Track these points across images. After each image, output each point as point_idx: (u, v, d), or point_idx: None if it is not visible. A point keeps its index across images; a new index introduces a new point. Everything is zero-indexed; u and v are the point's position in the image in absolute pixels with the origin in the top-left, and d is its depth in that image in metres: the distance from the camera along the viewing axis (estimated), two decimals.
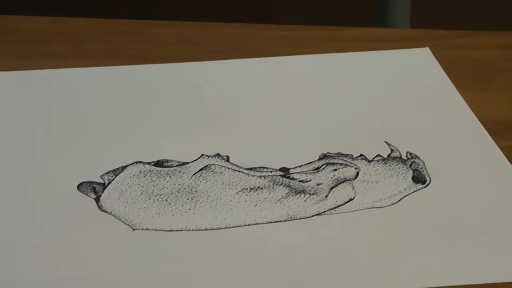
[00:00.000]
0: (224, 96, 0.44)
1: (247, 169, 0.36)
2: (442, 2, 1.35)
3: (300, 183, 0.35)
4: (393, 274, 0.29)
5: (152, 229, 0.32)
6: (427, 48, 0.45)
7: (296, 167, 0.36)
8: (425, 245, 0.31)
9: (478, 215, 0.33)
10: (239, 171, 0.35)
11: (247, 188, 0.34)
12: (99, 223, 0.32)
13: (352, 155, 0.37)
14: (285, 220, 0.33)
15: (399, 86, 0.44)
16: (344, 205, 0.33)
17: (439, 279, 0.29)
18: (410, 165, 0.36)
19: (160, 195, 0.34)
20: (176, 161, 0.36)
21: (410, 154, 0.37)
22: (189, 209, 0.33)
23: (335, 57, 0.48)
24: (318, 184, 0.35)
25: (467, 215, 0.33)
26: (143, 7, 1.45)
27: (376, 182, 0.35)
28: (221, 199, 0.34)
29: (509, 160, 0.36)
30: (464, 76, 0.45)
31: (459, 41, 0.50)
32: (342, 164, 0.36)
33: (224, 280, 0.29)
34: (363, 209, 0.33)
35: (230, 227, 0.32)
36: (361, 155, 0.37)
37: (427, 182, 0.35)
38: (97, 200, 0.34)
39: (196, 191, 0.34)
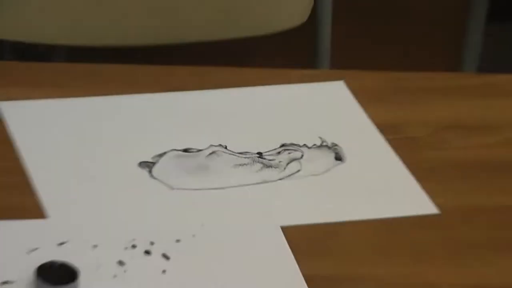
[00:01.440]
0: (218, 111, 0.66)
1: (238, 153, 0.59)
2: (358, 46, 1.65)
3: (269, 161, 0.59)
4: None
5: (184, 188, 0.55)
6: (342, 81, 0.70)
7: (266, 151, 0.60)
8: (342, 193, 0.56)
9: (377, 179, 0.58)
10: (233, 154, 0.59)
11: (238, 164, 0.58)
12: (151, 186, 0.56)
13: (299, 144, 0.61)
14: (261, 183, 0.57)
15: (320, 111, 0.68)
16: (295, 174, 0.58)
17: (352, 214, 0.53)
18: (334, 150, 0.61)
19: (188, 167, 0.57)
20: (196, 149, 0.60)
21: (333, 143, 0.62)
22: (205, 177, 0.57)
23: (271, 89, 0.69)
24: (279, 162, 0.59)
25: (370, 179, 0.58)
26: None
27: (313, 160, 0.59)
28: (223, 171, 0.57)
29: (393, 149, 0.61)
30: (370, 101, 0.68)
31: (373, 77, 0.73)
32: (293, 149, 0.60)
33: (227, 220, 0.52)
34: (306, 176, 0.58)
35: (229, 187, 0.56)
36: (304, 144, 0.61)
37: (343, 160, 0.60)
38: (149, 171, 0.57)
39: (208, 166, 0.58)
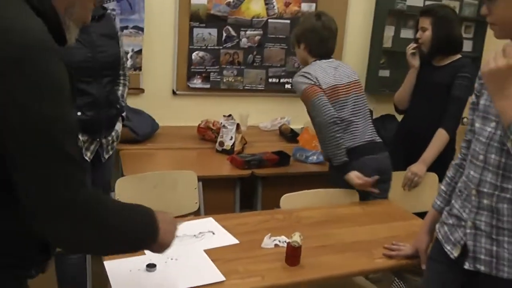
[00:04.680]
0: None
1: (190, 235, 2.18)
2: None
3: (198, 235, 2.18)
4: None
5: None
6: (211, 217, 2.32)
7: (198, 233, 2.19)
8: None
9: None
10: (186, 235, 2.18)
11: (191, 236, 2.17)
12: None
13: (205, 231, 2.21)
14: (198, 240, 2.15)
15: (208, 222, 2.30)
16: (205, 238, 2.17)
17: None
18: (213, 232, 2.21)
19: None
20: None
21: (210, 231, 2.22)
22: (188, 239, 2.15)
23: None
24: (202, 235, 2.18)
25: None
26: None
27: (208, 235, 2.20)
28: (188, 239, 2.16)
29: None
30: None
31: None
32: (205, 232, 2.21)
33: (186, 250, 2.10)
34: (207, 239, 2.17)
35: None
36: (204, 232, 2.21)
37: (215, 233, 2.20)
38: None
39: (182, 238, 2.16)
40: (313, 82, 2.82)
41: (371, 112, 3.85)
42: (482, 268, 1.72)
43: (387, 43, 4.76)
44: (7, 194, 1.15)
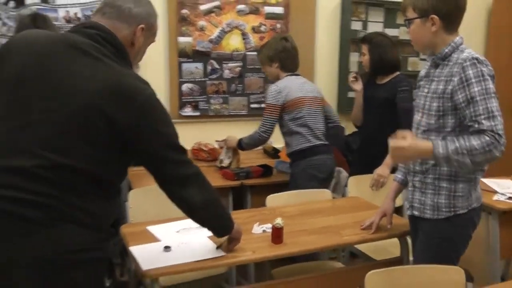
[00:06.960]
0: None
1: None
2: None
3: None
4: None
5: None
6: None
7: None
8: None
9: None
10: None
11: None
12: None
13: None
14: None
15: None
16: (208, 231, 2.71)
17: None
18: None
19: None
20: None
21: None
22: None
23: None
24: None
25: None
26: None
27: None
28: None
29: None
30: None
31: None
32: None
33: None
34: None
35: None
36: None
37: None
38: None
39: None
40: (279, 102, 3.73)
41: (343, 129, 4.49)
42: (416, 213, 2.51)
43: (353, 67, 5.39)
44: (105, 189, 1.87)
